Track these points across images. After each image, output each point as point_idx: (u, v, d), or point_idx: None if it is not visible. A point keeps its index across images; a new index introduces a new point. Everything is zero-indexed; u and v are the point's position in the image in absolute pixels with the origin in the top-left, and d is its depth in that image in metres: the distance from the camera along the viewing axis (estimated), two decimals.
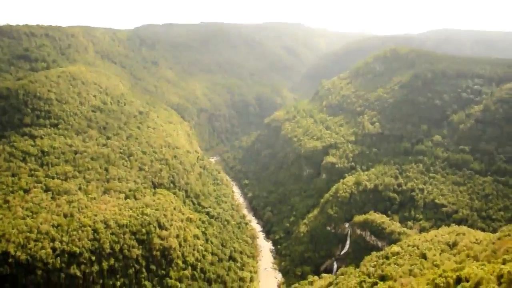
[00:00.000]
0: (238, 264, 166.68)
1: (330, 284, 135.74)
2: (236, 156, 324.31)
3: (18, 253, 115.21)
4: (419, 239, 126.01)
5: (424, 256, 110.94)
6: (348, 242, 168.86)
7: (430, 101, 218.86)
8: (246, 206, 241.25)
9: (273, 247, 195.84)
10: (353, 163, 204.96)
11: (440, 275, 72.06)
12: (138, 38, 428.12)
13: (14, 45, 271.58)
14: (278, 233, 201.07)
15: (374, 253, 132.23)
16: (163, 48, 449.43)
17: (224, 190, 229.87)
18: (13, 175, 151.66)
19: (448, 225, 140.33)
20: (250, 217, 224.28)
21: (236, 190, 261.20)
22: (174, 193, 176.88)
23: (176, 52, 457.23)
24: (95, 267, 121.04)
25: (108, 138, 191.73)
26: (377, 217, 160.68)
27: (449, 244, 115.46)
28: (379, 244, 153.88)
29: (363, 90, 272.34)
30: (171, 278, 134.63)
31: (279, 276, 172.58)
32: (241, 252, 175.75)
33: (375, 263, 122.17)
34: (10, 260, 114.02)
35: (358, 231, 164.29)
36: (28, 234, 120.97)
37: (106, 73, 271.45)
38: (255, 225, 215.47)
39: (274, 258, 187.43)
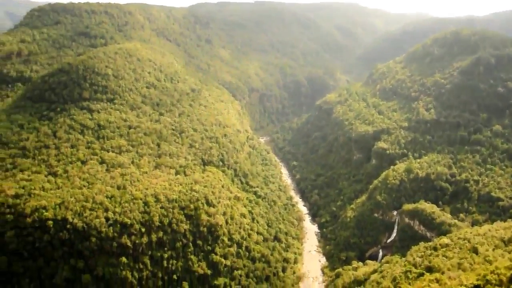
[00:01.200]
0: (283, 245, 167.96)
1: (375, 271, 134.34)
2: (285, 137, 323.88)
3: (75, 221, 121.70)
4: (471, 233, 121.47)
5: (475, 251, 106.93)
6: (395, 230, 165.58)
7: (492, 88, 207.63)
8: (294, 188, 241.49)
9: (319, 230, 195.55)
10: (404, 150, 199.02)
11: (492, 272, 69.24)
12: (192, 16, 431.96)
13: (76, 22, 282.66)
14: (324, 217, 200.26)
15: (422, 243, 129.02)
16: (217, 26, 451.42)
17: (273, 170, 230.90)
18: (72, 147, 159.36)
19: (504, 220, 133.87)
20: (297, 199, 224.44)
21: (284, 172, 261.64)
22: (223, 171, 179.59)
23: (229, 31, 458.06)
24: (145, 239, 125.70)
25: (161, 114, 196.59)
26: (427, 207, 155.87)
27: (504, 240, 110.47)
28: (428, 234, 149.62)
29: (419, 74, 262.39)
30: (216, 254, 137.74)
31: (323, 260, 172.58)
32: (286, 233, 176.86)
33: (422, 253, 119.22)
34: (68, 226, 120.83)
35: (407, 220, 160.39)
36: (84, 203, 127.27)
37: (161, 51, 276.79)
38: (302, 207, 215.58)
39: (319, 241, 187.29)
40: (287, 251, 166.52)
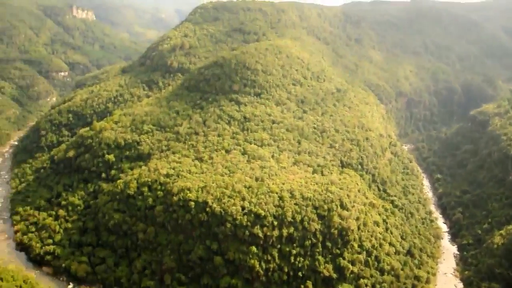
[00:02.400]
0: (416, 261, 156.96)
1: None
2: (431, 147, 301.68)
3: (214, 205, 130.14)
4: None
5: None
6: None
7: None
8: (434, 202, 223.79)
9: (458, 252, 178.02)
10: None
11: None
12: (343, 15, 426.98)
13: (232, 19, 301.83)
14: (466, 239, 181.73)
15: None
16: (368, 26, 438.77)
17: (413, 181, 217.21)
18: (218, 135, 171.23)
19: None
20: (436, 214, 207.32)
21: (426, 184, 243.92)
22: (361, 176, 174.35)
23: (381, 31, 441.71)
24: (276, 232, 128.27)
25: (304, 112, 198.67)
26: None
27: None
28: None
29: None
30: (344, 258, 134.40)
31: (460, 286, 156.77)
32: (421, 250, 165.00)
33: None
34: (207, 209, 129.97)
35: None
36: (224, 189, 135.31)
37: (309, 49, 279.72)
38: (441, 225, 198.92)
39: (457, 264, 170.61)
40: (419, 268, 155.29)
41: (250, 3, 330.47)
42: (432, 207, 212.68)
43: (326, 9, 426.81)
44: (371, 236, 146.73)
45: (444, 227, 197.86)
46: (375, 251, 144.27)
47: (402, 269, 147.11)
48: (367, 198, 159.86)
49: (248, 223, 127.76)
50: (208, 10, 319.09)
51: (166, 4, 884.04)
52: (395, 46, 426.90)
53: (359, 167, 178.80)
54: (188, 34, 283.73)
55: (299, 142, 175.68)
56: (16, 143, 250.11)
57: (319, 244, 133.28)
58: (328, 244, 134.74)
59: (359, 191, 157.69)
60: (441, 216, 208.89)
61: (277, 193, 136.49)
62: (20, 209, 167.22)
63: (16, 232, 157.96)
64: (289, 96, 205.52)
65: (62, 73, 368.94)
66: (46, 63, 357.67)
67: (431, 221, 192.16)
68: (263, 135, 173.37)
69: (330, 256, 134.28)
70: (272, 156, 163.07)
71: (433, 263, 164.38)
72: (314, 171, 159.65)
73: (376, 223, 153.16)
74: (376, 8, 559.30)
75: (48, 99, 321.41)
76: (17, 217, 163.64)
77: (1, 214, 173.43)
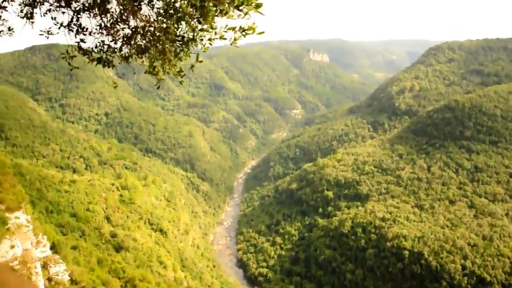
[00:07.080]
0: None
1: None
2: None
3: (430, 258, 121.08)
4: None
5: None
6: None
7: None
8: None
9: None
10: None
11: None
12: None
13: (469, 60, 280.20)
14: None
15: None
16: None
17: None
18: (443, 184, 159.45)
19: None
20: None
21: None
22: None
23: None
24: None
25: None
26: None
27: None
28: None
29: None
30: None
31: None
32: None
33: None
34: (422, 261, 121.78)
35: None
36: (443, 243, 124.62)
37: None
38: None
39: None
40: None
41: (492, 42, 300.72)
42: None
43: None
44: None
45: None
46: None
47: None
48: None
49: (468, 286, 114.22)
50: (443, 51, 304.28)
51: (398, 46, 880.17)
52: None
53: None
54: (419, 75, 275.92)
55: None
56: (249, 170, 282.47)
57: None
58: None
59: None
60: None
61: (508, 258, 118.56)
62: (244, 230, 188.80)
63: (238, 250, 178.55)
64: None
65: (294, 111, 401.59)
66: (281, 101, 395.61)
67: None
68: (497, 189, 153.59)
69: None
70: (506, 214, 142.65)
71: None
72: None
73: None
74: None
75: (280, 134, 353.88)
76: (241, 237, 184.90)
77: (229, 232, 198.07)
